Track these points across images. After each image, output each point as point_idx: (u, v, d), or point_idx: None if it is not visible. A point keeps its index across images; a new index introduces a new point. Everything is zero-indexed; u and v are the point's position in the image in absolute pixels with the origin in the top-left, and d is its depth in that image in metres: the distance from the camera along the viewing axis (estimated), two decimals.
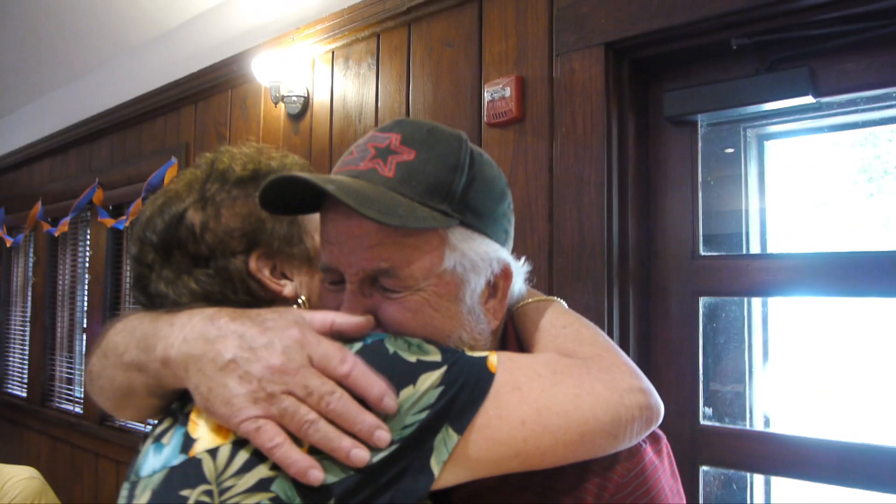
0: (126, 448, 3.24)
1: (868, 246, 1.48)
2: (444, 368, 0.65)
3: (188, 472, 0.63)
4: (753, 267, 1.56)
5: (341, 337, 0.67)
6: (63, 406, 3.92)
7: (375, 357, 0.65)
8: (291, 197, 0.71)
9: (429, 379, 0.64)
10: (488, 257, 0.73)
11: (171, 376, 0.68)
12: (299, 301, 0.81)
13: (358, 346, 0.66)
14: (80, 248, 3.93)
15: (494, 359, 0.68)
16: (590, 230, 1.62)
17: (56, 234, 3.84)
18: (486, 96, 1.84)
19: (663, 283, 1.67)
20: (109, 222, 3.34)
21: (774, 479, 1.58)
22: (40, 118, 4.17)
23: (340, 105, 2.28)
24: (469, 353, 0.68)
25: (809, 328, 1.68)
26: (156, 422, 0.74)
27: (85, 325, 3.83)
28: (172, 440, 0.66)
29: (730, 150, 1.69)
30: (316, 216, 0.77)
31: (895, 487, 1.33)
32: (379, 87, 2.17)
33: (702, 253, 1.63)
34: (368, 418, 0.62)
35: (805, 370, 1.66)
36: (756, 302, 1.64)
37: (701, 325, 1.62)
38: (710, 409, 1.63)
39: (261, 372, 0.62)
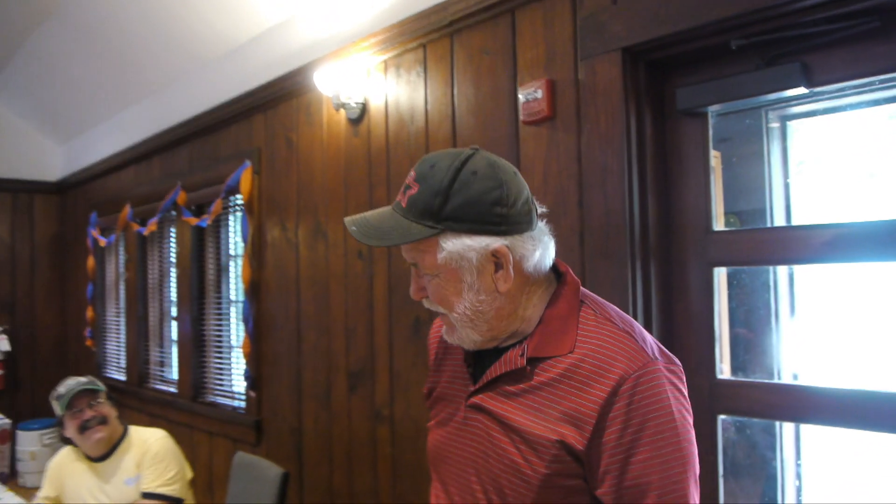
0: (216, 420, 3.65)
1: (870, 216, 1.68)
2: None
3: None
4: (759, 238, 1.78)
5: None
6: (158, 386, 4.38)
7: None
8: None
9: None
10: (475, 246, 1.03)
11: None
12: None
13: None
14: (167, 245, 4.36)
15: None
16: (614, 213, 1.86)
17: (145, 234, 4.28)
18: (521, 98, 2.09)
19: (681, 256, 1.90)
20: (193, 221, 3.74)
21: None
22: (125, 129, 4.61)
23: (394, 109, 2.57)
24: None
25: (832, 290, 1.87)
26: None
27: (174, 314, 4.26)
28: None
29: (752, 132, 1.90)
30: None
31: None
32: (427, 92, 2.45)
33: (714, 228, 1.85)
34: None
35: (826, 328, 1.85)
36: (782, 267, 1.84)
37: (716, 291, 1.84)
38: (736, 365, 1.86)
39: None
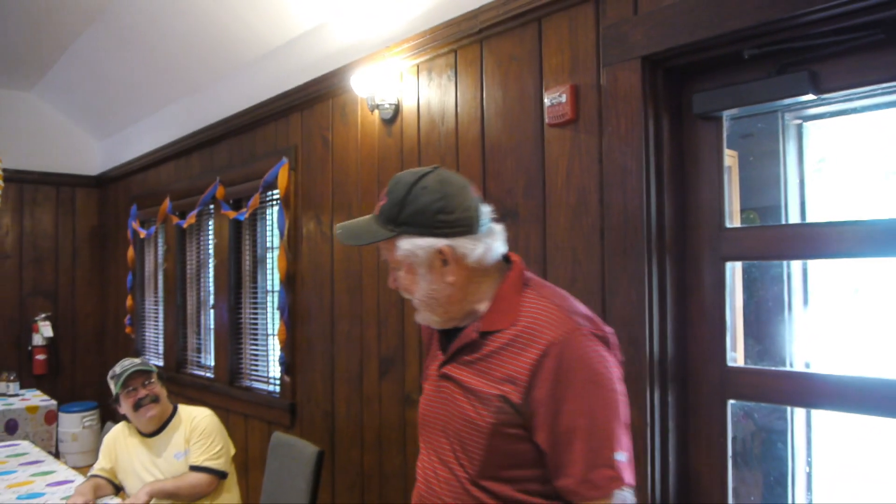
0: (251, 404, 3.84)
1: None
2: None
3: None
4: (769, 235, 1.91)
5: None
6: (195, 372, 4.59)
7: None
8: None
9: None
10: (423, 245, 1.29)
11: None
12: None
13: None
14: (205, 237, 4.56)
15: None
16: (632, 211, 1.99)
17: (185, 226, 4.48)
18: (546, 102, 2.23)
19: (695, 252, 2.03)
20: (231, 214, 3.93)
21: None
22: (165, 126, 4.82)
23: (426, 111, 2.72)
24: None
25: (843, 283, 1.97)
26: None
27: (211, 304, 4.47)
28: None
29: (769, 132, 2.01)
30: None
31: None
32: (458, 95, 2.59)
33: (728, 225, 1.98)
34: None
35: (836, 318, 1.96)
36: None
37: (727, 284, 1.97)
38: (751, 354, 1.99)
39: None
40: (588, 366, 1.21)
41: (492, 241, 1.33)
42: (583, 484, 1.19)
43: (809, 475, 1.96)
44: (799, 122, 2.00)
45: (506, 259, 1.39)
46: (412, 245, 1.30)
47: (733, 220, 2.04)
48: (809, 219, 1.95)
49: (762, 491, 2.05)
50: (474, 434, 1.27)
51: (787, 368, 1.91)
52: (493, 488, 1.27)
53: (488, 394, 1.26)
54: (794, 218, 1.95)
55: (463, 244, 1.30)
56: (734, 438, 2.07)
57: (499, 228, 1.38)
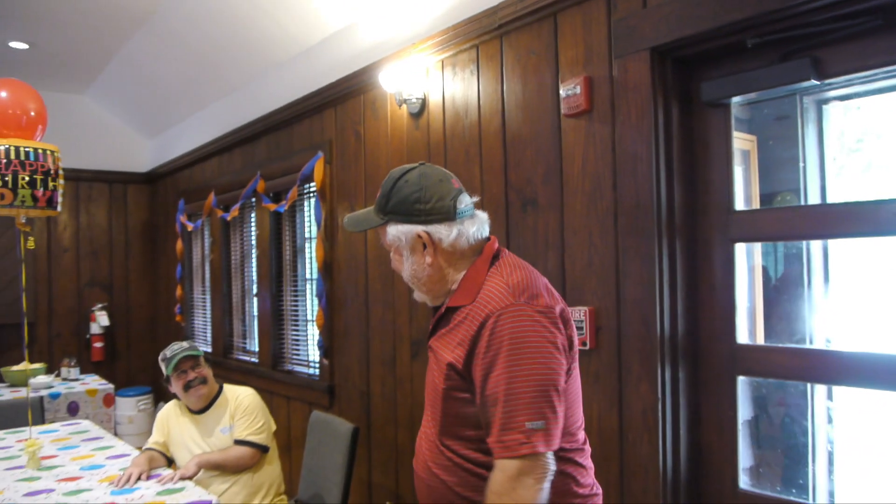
0: (293, 386, 4.05)
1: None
2: None
3: None
4: (776, 217, 1.98)
5: None
6: (241, 357, 4.83)
7: None
8: None
9: None
10: (406, 231, 1.49)
11: None
12: None
13: None
14: (248, 229, 4.78)
15: None
16: (643, 195, 2.09)
17: (228, 219, 4.71)
18: (562, 93, 2.33)
19: (706, 234, 2.11)
20: (272, 207, 4.13)
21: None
22: (209, 124, 5.05)
23: (451, 104, 2.85)
24: None
25: (860, 262, 2.02)
26: None
27: (255, 292, 4.69)
28: None
29: (787, 116, 2.07)
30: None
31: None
32: (480, 89, 2.71)
33: (736, 208, 2.06)
34: None
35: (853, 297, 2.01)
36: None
37: (735, 265, 2.05)
38: (770, 332, 2.07)
39: None
40: (515, 336, 1.33)
41: (468, 227, 1.49)
42: (497, 444, 1.32)
43: (831, 453, 2.02)
44: (819, 104, 2.04)
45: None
46: (397, 231, 1.50)
47: (752, 203, 2.12)
48: (830, 201, 1.99)
49: (782, 470, 2.11)
50: (435, 398, 1.47)
51: (794, 345, 1.99)
52: (453, 446, 1.45)
53: (444, 362, 1.44)
54: (813, 200, 2.00)
55: (438, 230, 1.47)
56: (754, 417, 2.15)
57: (482, 215, 1.55)
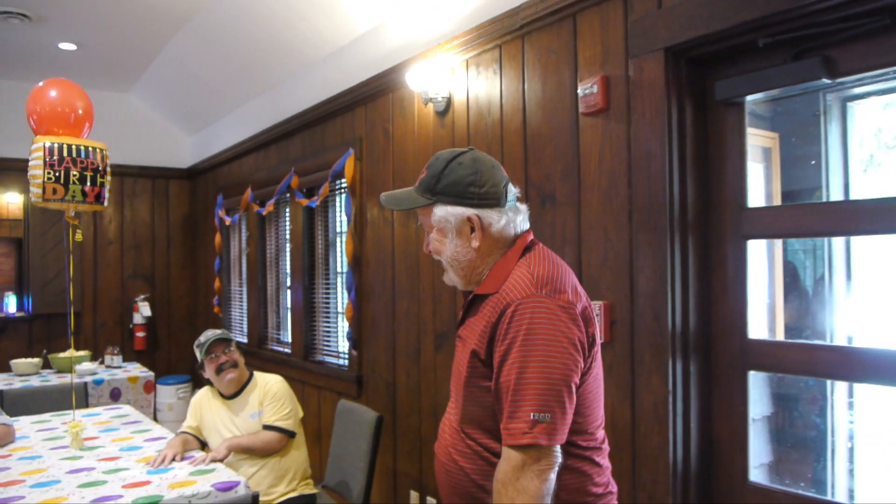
0: (323, 376, 4.17)
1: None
2: None
3: None
4: (787, 214, 2.01)
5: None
6: (275, 347, 4.99)
7: None
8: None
9: None
10: (455, 213, 1.48)
11: None
12: None
13: None
14: (282, 224, 4.93)
15: None
16: (656, 192, 2.13)
17: (264, 214, 4.86)
18: (580, 92, 2.39)
19: (719, 231, 2.14)
20: (304, 202, 4.26)
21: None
22: (246, 121, 5.21)
23: (474, 102, 2.92)
24: None
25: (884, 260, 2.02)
26: None
27: (288, 284, 4.83)
28: None
29: (810, 113, 2.08)
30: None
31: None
32: (503, 87, 2.78)
33: (749, 206, 2.09)
34: None
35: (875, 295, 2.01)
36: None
37: (748, 261, 2.08)
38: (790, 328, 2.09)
39: None
40: (531, 327, 1.33)
41: (514, 216, 1.51)
42: (504, 430, 1.33)
43: (851, 449, 2.04)
44: (843, 101, 2.04)
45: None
46: (445, 212, 1.48)
47: (773, 200, 2.14)
48: (853, 198, 1.99)
49: (801, 466, 2.13)
50: (459, 385, 1.47)
51: (804, 341, 2.01)
52: (473, 434, 1.45)
53: (468, 349, 1.45)
54: (836, 197, 2.00)
55: (489, 214, 1.47)
56: (773, 413, 2.18)
57: (523, 207, 1.55)
